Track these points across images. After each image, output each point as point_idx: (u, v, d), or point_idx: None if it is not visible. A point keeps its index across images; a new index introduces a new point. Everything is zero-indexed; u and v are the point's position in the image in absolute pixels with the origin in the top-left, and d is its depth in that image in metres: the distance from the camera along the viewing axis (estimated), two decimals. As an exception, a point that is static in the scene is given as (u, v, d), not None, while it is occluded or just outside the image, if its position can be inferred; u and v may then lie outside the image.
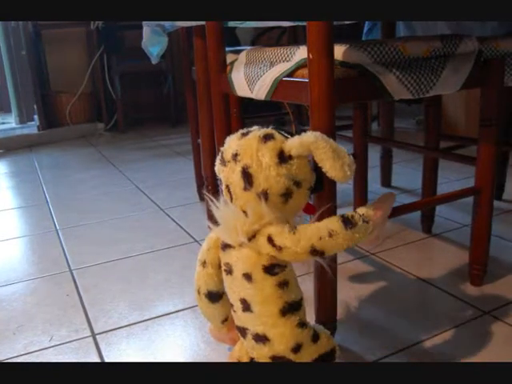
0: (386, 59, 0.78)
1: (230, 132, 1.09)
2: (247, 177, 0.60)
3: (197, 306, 1.00)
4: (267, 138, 0.61)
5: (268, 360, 0.65)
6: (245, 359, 0.70)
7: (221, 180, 0.65)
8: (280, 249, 0.60)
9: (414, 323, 0.90)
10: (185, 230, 1.40)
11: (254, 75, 0.89)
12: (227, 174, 0.62)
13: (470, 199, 0.97)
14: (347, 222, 0.61)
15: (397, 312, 0.94)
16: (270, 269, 0.62)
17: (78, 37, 3.15)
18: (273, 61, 0.88)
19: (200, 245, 1.29)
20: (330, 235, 0.60)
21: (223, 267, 0.66)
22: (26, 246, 1.36)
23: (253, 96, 0.91)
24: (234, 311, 0.67)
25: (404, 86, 0.78)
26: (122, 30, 2.99)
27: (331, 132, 0.70)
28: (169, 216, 1.52)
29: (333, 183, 0.70)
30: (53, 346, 0.89)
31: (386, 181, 1.71)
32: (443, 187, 1.59)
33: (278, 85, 0.82)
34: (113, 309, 1.00)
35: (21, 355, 0.87)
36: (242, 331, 0.67)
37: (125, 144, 2.70)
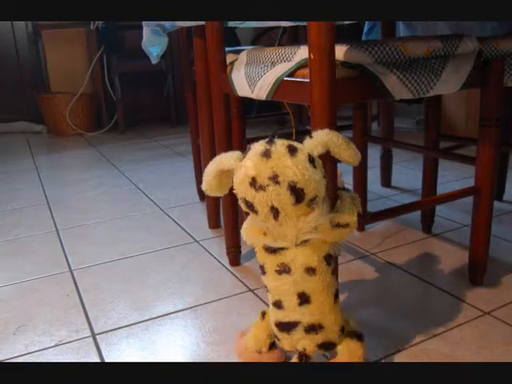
0: (387, 59, 0.78)
1: (230, 132, 1.09)
2: (297, 192, 0.63)
3: (197, 305, 1.01)
4: (292, 150, 0.64)
5: (315, 348, 0.71)
6: (264, 349, 0.77)
7: (251, 203, 0.65)
8: (346, 225, 0.68)
9: (414, 323, 0.90)
10: (185, 230, 1.40)
11: (254, 75, 0.89)
12: (270, 197, 0.63)
13: (470, 199, 0.98)
14: (347, 189, 0.74)
15: (397, 312, 0.94)
16: (328, 259, 0.69)
17: (78, 37, 3.16)
18: (274, 61, 0.88)
19: (200, 245, 1.29)
20: (354, 200, 0.71)
21: (275, 268, 0.69)
22: (26, 245, 1.36)
23: (253, 96, 0.91)
24: (282, 308, 0.70)
25: (405, 86, 0.78)
26: (121, 30, 2.99)
27: (333, 132, 0.70)
28: (169, 216, 1.52)
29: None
30: (53, 346, 0.89)
31: (386, 181, 1.71)
32: (443, 187, 1.59)
33: (280, 85, 0.82)
34: (113, 309, 1.00)
35: (21, 355, 0.87)
36: (291, 325, 0.70)
37: (125, 144, 2.70)
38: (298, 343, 0.71)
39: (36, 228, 1.48)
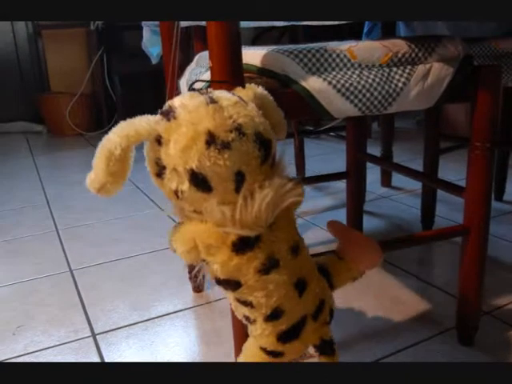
0: (326, 67, 0.63)
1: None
2: (266, 145, 0.48)
3: (197, 306, 1.01)
4: (239, 97, 0.50)
5: (329, 328, 0.60)
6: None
7: (204, 176, 0.47)
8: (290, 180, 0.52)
9: (413, 323, 0.90)
10: (185, 230, 1.40)
11: (189, 82, 0.75)
12: (236, 157, 0.46)
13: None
14: None
15: (397, 312, 0.94)
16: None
17: (78, 37, 3.16)
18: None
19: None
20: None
21: (259, 268, 0.51)
22: (26, 246, 1.36)
23: None
24: (283, 313, 0.54)
25: (349, 102, 0.63)
26: (121, 30, 2.99)
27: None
28: (169, 216, 1.52)
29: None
30: (53, 347, 0.89)
31: (387, 181, 1.71)
32: (443, 187, 1.59)
33: None
34: (113, 309, 1.00)
35: (21, 355, 0.87)
36: (299, 326, 0.56)
37: (125, 144, 2.69)
38: (312, 338, 0.58)
39: (36, 228, 1.48)
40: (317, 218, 1.43)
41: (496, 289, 0.99)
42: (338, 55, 0.63)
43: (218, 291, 1.04)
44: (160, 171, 0.51)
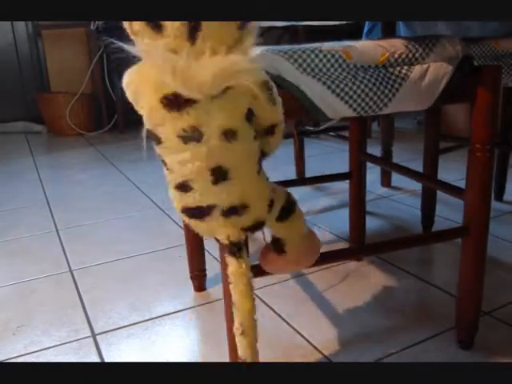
0: (320, 68, 0.63)
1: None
2: None
3: (197, 306, 1.01)
4: None
5: (240, 233, 0.57)
6: None
7: None
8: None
9: (413, 323, 0.90)
10: (185, 230, 1.40)
11: None
12: None
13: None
14: None
15: (397, 312, 0.94)
16: (250, 115, 0.51)
17: (78, 37, 3.16)
18: None
19: (200, 245, 1.29)
20: None
21: (179, 133, 0.48)
22: (26, 246, 1.36)
23: None
24: (191, 190, 0.53)
25: (344, 103, 0.63)
26: (122, 30, 2.99)
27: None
28: (169, 216, 1.52)
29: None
30: (53, 346, 0.89)
31: (387, 181, 1.71)
32: (443, 187, 1.59)
33: None
34: (113, 309, 1.00)
35: (21, 355, 0.87)
36: (203, 211, 0.54)
37: (125, 144, 2.69)
38: (217, 232, 0.56)
39: (36, 228, 1.48)
40: (317, 218, 1.43)
41: (496, 289, 0.99)
42: (332, 56, 0.63)
43: (218, 291, 1.04)
44: None
